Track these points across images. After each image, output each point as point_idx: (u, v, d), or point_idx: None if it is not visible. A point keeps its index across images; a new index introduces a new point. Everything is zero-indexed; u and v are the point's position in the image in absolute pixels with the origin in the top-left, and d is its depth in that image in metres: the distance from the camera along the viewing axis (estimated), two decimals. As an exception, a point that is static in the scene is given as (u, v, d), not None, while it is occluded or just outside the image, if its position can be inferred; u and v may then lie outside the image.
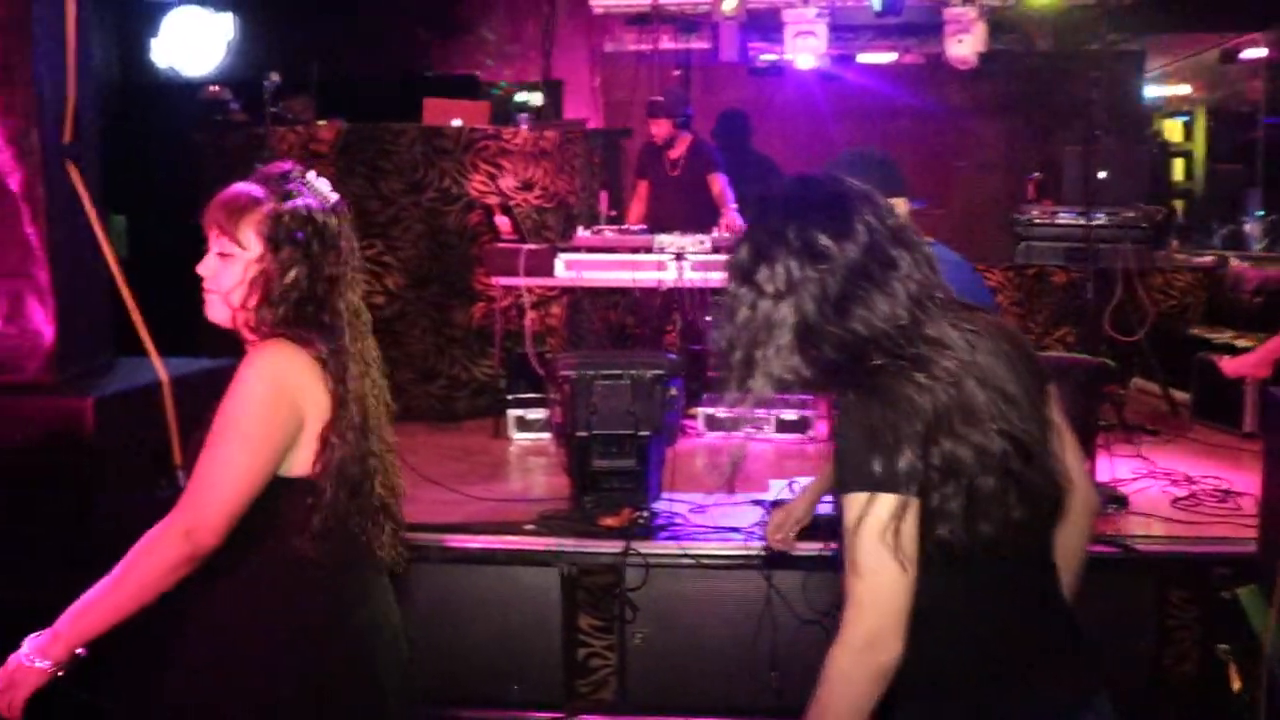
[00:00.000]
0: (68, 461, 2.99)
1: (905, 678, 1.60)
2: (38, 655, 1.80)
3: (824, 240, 1.58)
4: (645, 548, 3.76)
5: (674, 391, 4.12)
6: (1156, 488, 4.37)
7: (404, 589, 3.75)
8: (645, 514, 3.92)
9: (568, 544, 3.85)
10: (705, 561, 3.77)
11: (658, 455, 4.10)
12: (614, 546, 3.78)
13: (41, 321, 3.10)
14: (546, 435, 5.22)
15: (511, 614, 3.84)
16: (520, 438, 5.35)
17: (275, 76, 5.17)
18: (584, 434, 4.01)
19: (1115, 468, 4.25)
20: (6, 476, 2.99)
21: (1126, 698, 3.69)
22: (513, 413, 5.37)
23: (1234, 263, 6.85)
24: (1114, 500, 4.07)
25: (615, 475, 4.05)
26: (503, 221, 5.73)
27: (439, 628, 3.82)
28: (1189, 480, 4.43)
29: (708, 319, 6.05)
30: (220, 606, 1.91)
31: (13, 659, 1.82)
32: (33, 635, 1.83)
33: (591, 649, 3.85)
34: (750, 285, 1.62)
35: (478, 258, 5.98)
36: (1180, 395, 5.83)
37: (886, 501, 1.53)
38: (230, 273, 1.93)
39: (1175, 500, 4.20)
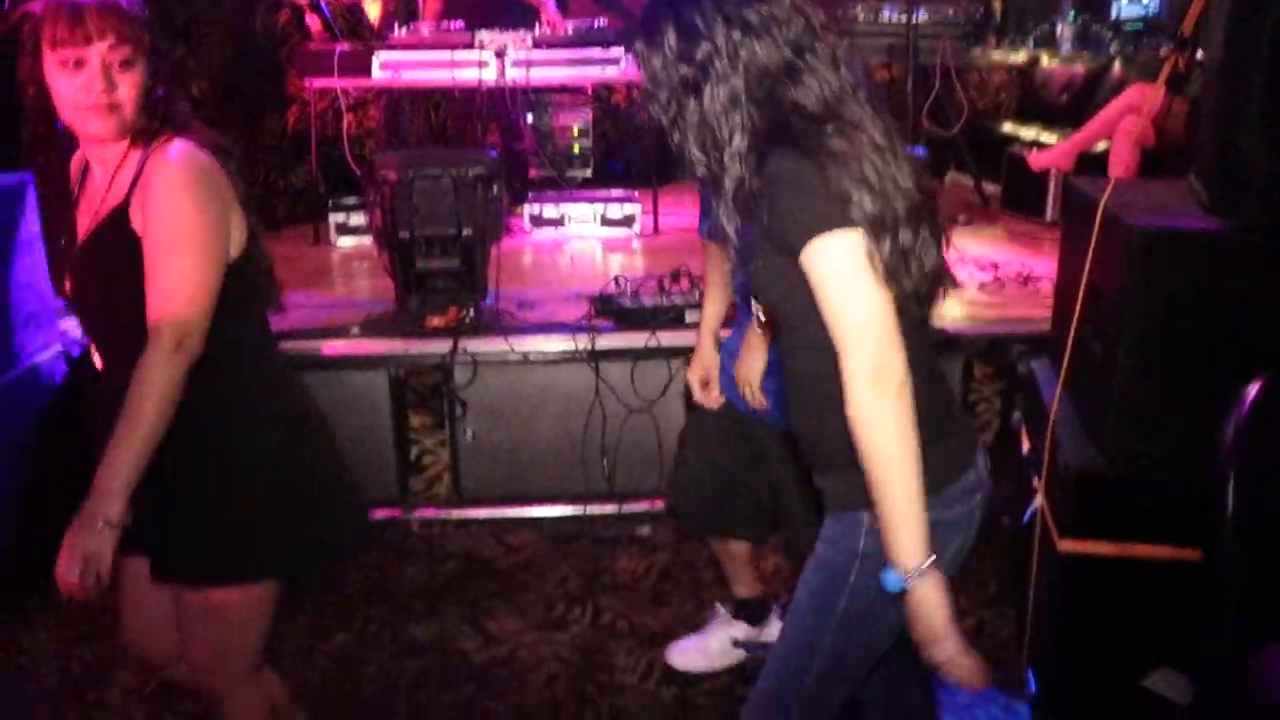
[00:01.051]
0: None
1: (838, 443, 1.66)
2: (101, 520, 1.79)
3: (760, 12, 1.60)
4: (473, 345, 3.77)
5: (496, 189, 4.05)
6: (965, 273, 4.58)
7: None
8: (472, 313, 3.90)
9: (395, 346, 3.82)
10: (533, 357, 3.80)
11: (483, 254, 4.06)
12: (441, 346, 3.77)
13: None
14: (368, 239, 5.10)
15: (342, 418, 3.79)
16: (342, 243, 5.21)
17: None
18: (406, 235, 3.93)
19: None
20: None
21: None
22: (333, 218, 5.22)
23: (1045, 61, 7.05)
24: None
25: (440, 276, 4.00)
26: (313, 20, 5.42)
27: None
28: (995, 266, 4.65)
29: (529, 117, 5.93)
30: (197, 398, 1.89)
31: (75, 536, 1.79)
32: (84, 506, 1.80)
33: (424, 447, 3.89)
34: (691, 64, 1.61)
35: (289, 60, 5.66)
36: (990, 187, 6.06)
37: (855, 236, 1.57)
38: (130, 82, 1.85)
39: (982, 285, 4.42)
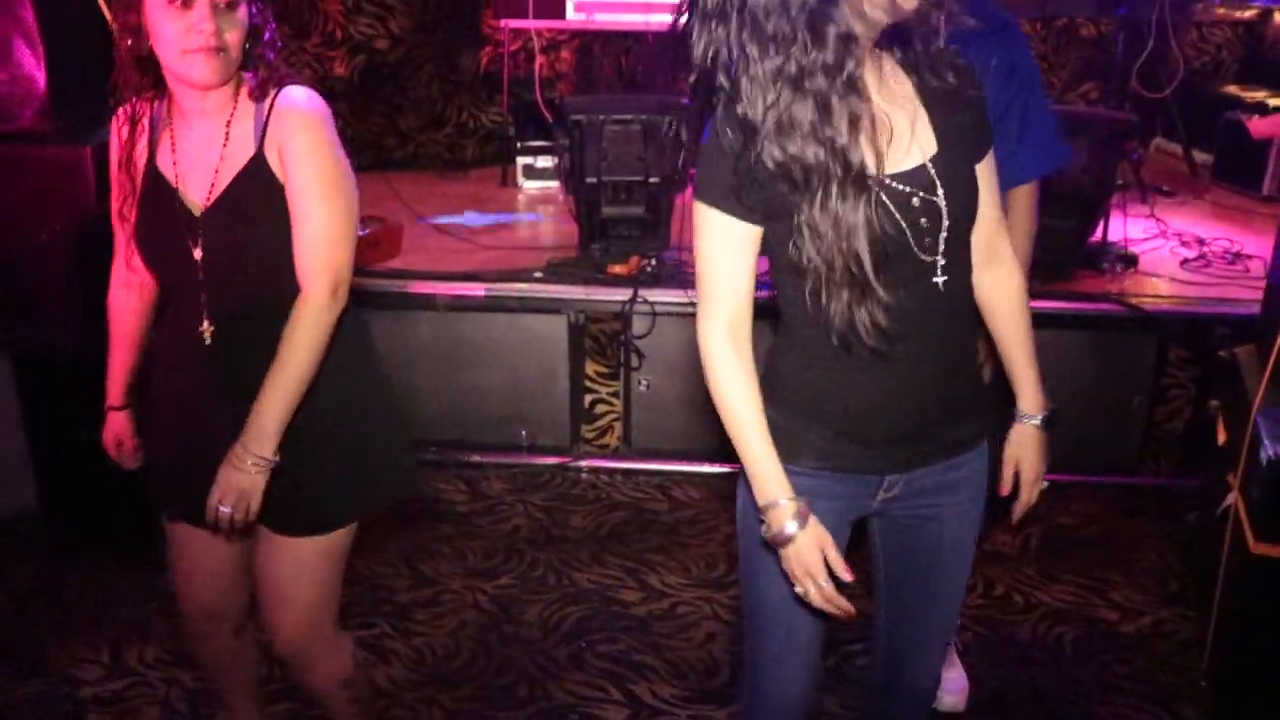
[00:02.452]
0: (66, 213, 2.93)
1: None
2: (253, 459, 1.86)
3: None
4: (653, 295, 3.79)
5: (685, 138, 4.03)
6: (1166, 248, 4.34)
7: (413, 336, 3.85)
8: (653, 262, 3.92)
9: (576, 291, 3.88)
10: (711, 311, 3.79)
11: (668, 203, 4.06)
12: (621, 294, 3.80)
13: (32, 66, 2.97)
14: (555, 183, 5.17)
15: (520, 361, 3.91)
16: (529, 185, 5.29)
17: None
18: (593, 180, 3.96)
19: (1128, 227, 4.21)
20: (3, 230, 2.94)
21: (1119, 450, 3.82)
22: (521, 160, 5.29)
23: (1277, 18, 6.55)
24: (1123, 259, 4.06)
25: (624, 223, 4.03)
26: (511, -39, 5.46)
27: (448, 374, 3.92)
28: (1200, 242, 4.39)
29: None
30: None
31: (228, 474, 1.87)
32: (236, 447, 1.87)
33: (598, 395, 3.95)
34: None
35: (486, 0, 5.74)
36: (1201, 156, 5.70)
37: None
38: (235, 23, 1.85)
39: (1184, 261, 4.18)
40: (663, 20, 4.90)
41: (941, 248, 1.63)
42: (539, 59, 5.63)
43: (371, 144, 5.60)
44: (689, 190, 4.53)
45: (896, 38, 1.62)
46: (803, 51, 1.49)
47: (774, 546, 1.69)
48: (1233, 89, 5.97)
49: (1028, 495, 1.91)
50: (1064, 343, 3.69)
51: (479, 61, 5.88)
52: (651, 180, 3.95)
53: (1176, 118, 5.75)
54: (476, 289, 3.88)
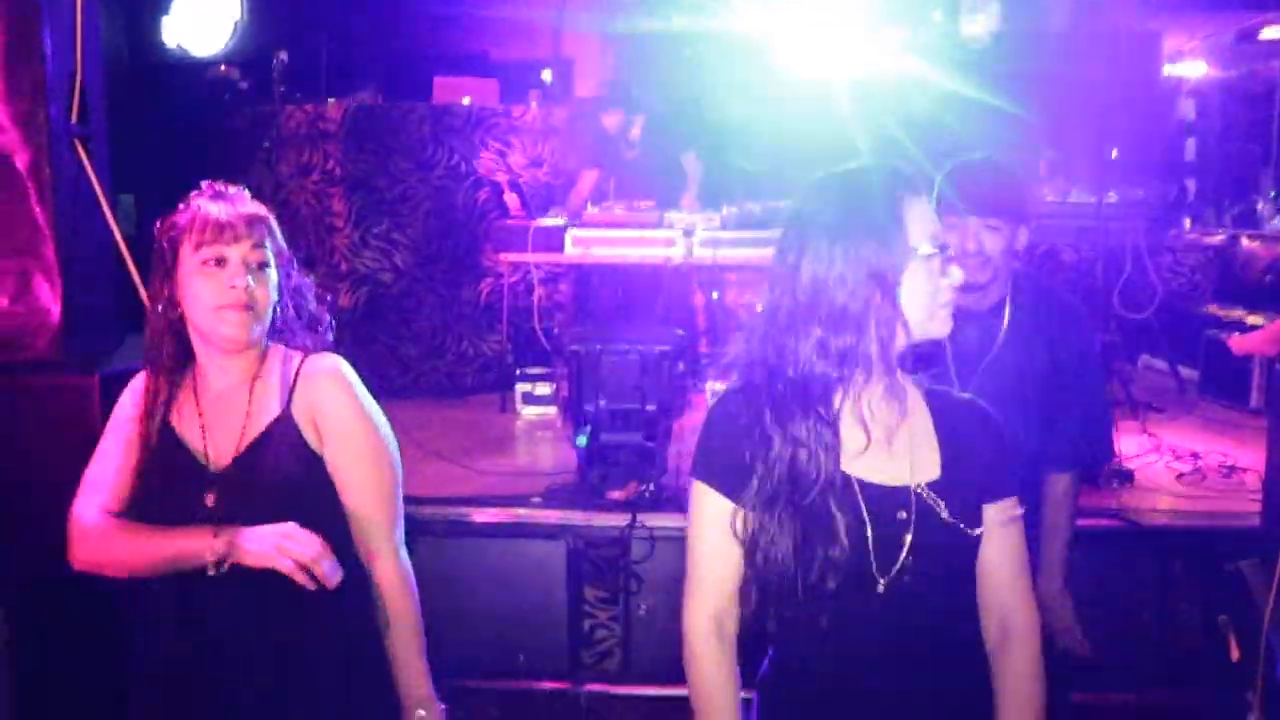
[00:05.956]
0: (75, 439, 2.99)
1: None
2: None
3: None
4: (651, 520, 3.79)
5: (682, 366, 4.13)
6: (1162, 463, 4.38)
7: (412, 560, 3.82)
8: (651, 487, 3.94)
9: (574, 517, 3.88)
10: (710, 534, 3.78)
11: (665, 429, 4.12)
12: (620, 519, 3.80)
13: (48, 299, 3.10)
14: (554, 409, 5.24)
15: (518, 586, 3.87)
16: (527, 412, 5.37)
17: (283, 55, 5.17)
18: (591, 408, 4.03)
19: (1122, 444, 4.25)
20: (13, 455, 3.01)
21: (1130, 669, 3.73)
22: (520, 387, 5.39)
23: (1245, 241, 6.82)
24: (1119, 475, 4.08)
25: (622, 449, 4.07)
26: (511, 198, 5.74)
27: (446, 599, 3.84)
28: (1194, 456, 4.43)
29: (711, 295, 6.06)
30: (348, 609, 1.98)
31: None
32: (415, 709, 1.98)
33: (597, 620, 3.89)
34: None
35: (486, 234, 6.00)
36: (1188, 372, 5.82)
37: None
38: (265, 284, 1.92)
39: (1180, 475, 4.21)
40: (655, 255, 5.13)
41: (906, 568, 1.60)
42: (538, 290, 5.82)
43: (373, 372, 5.74)
44: (686, 415, 4.62)
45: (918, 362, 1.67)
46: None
47: None
48: (1213, 308, 6.17)
49: None
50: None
51: (480, 293, 6.08)
52: (648, 407, 4.01)
53: (1160, 338, 5.91)
54: (476, 514, 3.88)
